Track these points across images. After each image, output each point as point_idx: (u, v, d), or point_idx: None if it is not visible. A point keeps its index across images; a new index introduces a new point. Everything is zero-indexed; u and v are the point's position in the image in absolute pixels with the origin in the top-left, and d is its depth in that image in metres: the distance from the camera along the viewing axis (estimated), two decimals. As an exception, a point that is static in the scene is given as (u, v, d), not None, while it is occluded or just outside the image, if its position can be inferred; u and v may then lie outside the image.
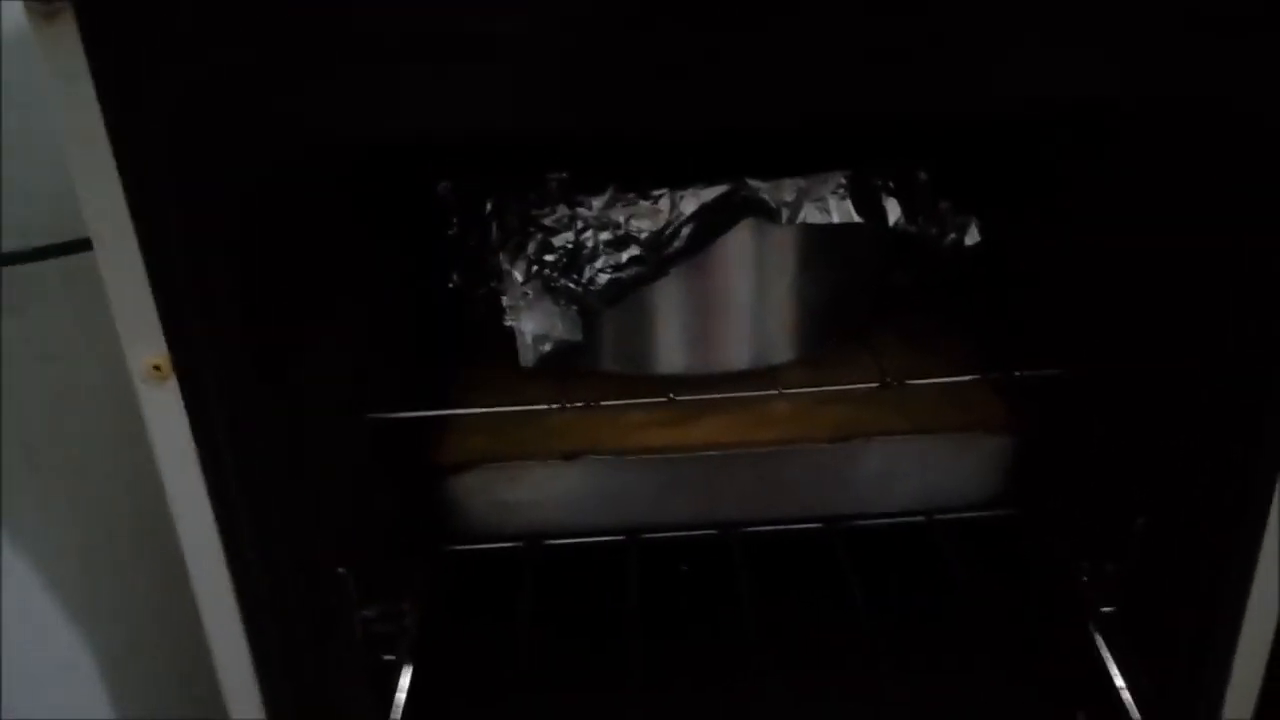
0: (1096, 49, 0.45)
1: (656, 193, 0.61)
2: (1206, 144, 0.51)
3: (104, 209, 0.43)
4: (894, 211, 0.64)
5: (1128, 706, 0.62)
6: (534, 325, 0.64)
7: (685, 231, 0.61)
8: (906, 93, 0.46)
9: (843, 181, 0.62)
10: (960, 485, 0.74)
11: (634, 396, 0.70)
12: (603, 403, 0.70)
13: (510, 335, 0.64)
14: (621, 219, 0.61)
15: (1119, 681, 0.63)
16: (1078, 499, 0.69)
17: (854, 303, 0.73)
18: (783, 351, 0.70)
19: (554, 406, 0.69)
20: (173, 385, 0.46)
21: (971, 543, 0.73)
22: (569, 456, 0.72)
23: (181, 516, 0.49)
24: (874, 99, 0.46)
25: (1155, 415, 0.59)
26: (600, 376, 0.70)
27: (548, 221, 0.62)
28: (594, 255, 0.62)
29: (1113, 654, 0.64)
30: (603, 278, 0.62)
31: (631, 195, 0.61)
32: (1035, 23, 0.44)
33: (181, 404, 0.46)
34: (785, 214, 0.61)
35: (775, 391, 0.71)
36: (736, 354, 0.69)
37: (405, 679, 0.66)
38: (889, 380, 0.69)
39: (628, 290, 0.62)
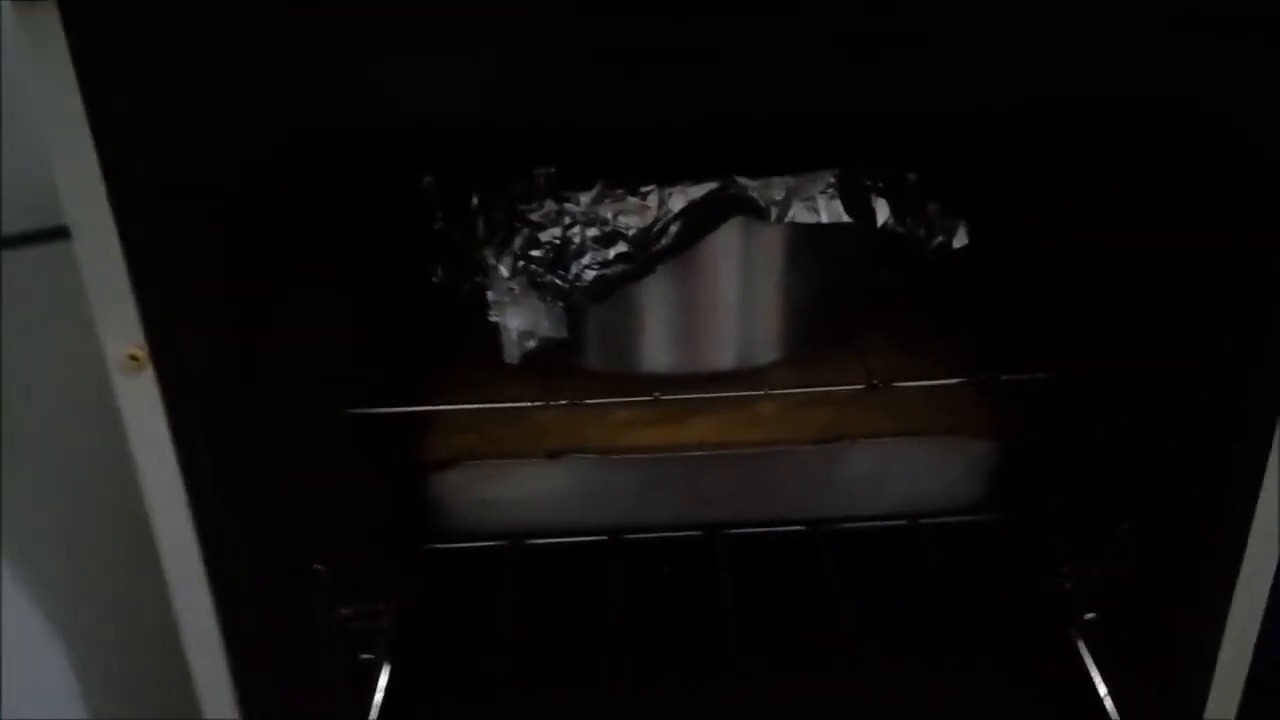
0: (1077, 49, 0.45)
1: (645, 189, 0.61)
2: (1198, 144, 0.51)
3: (83, 196, 0.43)
4: (883, 212, 0.64)
5: (1110, 713, 0.62)
6: (519, 321, 0.63)
7: (673, 229, 0.61)
8: (884, 90, 0.46)
9: (832, 181, 0.62)
10: (945, 488, 0.74)
11: (619, 395, 0.70)
12: (587, 401, 0.69)
13: (495, 331, 0.64)
14: (609, 215, 0.61)
15: (1101, 688, 0.63)
16: (1062, 504, 0.69)
17: (841, 303, 0.73)
18: (769, 351, 0.70)
19: (538, 404, 0.69)
20: (149, 375, 0.46)
21: (955, 547, 0.73)
22: (553, 455, 0.71)
23: (156, 509, 0.48)
24: (853, 96, 0.46)
25: (1140, 420, 0.60)
26: (585, 374, 0.70)
27: (534, 217, 0.61)
28: (581, 251, 0.61)
29: (1095, 660, 0.64)
30: (589, 274, 0.61)
31: (619, 191, 0.61)
32: (1013, 22, 0.44)
33: (158, 394, 0.46)
34: (774, 213, 0.61)
35: (761, 392, 0.71)
36: (723, 353, 0.69)
37: (383, 678, 0.66)
38: (875, 382, 0.69)
39: (614, 287, 0.62)
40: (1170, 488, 0.57)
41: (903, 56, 0.45)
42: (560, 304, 0.63)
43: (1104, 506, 0.63)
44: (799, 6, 0.43)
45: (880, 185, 0.64)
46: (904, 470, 0.74)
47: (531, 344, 0.64)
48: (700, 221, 0.61)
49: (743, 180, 0.61)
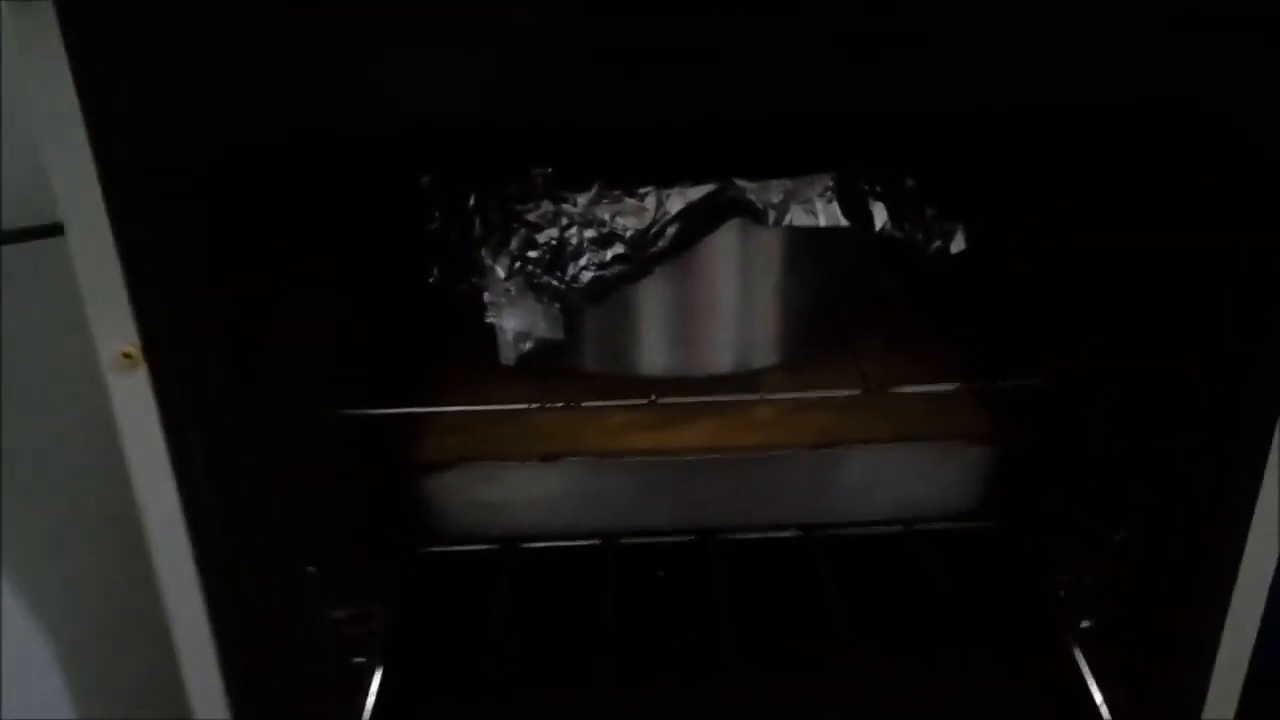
0: (1077, 49, 0.45)
1: (642, 191, 0.60)
2: (1198, 144, 0.51)
3: (77, 194, 0.43)
4: (880, 216, 0.64)
5: None
6: (515, 323, 0.63)
7: (671, 231, 0.60)
8: (884, 90, 0.46)
9: (830, 184, 0.62)
10: (941, 494, 0.74)
11: (616, 398, 0.69)
12: (583, 403, 0.69)
13: (491, 332, 0.63)
14: (606, 216, 0.61)
15: (1097, 695, 0.63)
16: (1058, 510, 0.69)
17: (838, 307, 0.72)
18: (766, 355, 0.70)
19: (533, 406, 0.68)
20: (142, 374, 0.45)
21: (951, 553, 0.73)
22: (548, 458, 0.71)
23: (148, 508, 0.48)
24: (853, 96, 0.46)
25: (1138, 425, 0.59)
26: (582, 377, 0.69)
27: (531, 217, 0.61)
28: (578, 253, 0.61)
29: (1090, 668, 0.64)
30: (586, 275, 0.61)
31: (617, 192, 0.61)
32: (1013, 21, 0.44)
33: (151, 393, 0.46)
34: (772, 215, 0.61)
35: (758, 396, 0.71)
36: (720, 357, 0.69)
37: (376, 682, 0.65)
38: (872, 387, 0.69)
39: (611, 289, 0.62)
40: (1167, 493, 0.57)
41: (902, 56, 0.44)
42: (557, 305, 0.62)
43: (1101, 512, 0.63)
44: (799, 6, 0.43)
45: (878, 189, 0.64)
46: (900, 475, 0.73)
47: (528, 345, 0.64)
48: (698, 223, 0.61)
49: (741, 182, 0.60)
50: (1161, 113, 0.52)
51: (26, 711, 0.66)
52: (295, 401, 0.58)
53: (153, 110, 0.42)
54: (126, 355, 0.45)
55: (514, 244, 0.62)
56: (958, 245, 0.67)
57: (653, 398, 0.69)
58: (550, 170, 0.61)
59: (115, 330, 0.44)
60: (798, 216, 0.61)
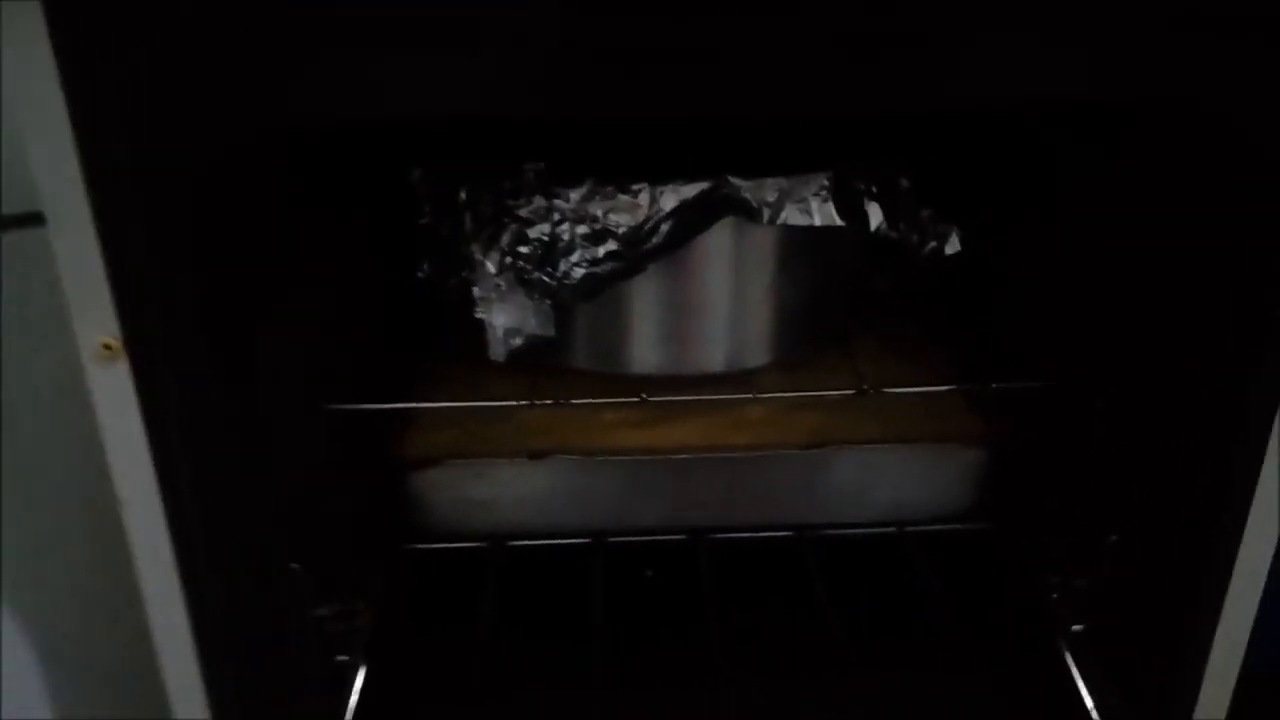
0: (1077, 49, 0.45)
1: (636, 187, 0.60)
2: (1198, 144, 0.51)
3: (59, 182, 0.42)
4: (876, 216, 0.63)
5: (1096, 726, 0.62)
6: (505, 318, 0.62)
7: (664, 228, 0.60)
8: (884, 89, 0.46)
9: (825, 183, 0.61)
10: (934, 496, 0.74)
11: (606, 395, 0.69)
12: (573, 401, 0.68)
13: (481, 328, 0.63)
14: (599, 213, 0.60)
15: (1088, 700, 0.62)
16: (1050, 514, 0.69)
17: (832, 307, 0.72)
18: (759, 354, 0.69)
19: (523, 403, 0.68)
20: (123, 366, 0.44)
21: (943, 555, 0.73)
22: (536, 455, 0.71)
23: (128, 504, 0.47)
24: (852, 95, 0.46)
25: (1133, 428, 0.59)
26: (572, 374, 0.69)
27: (523, 212, 0.60)
28: (570, 249, 0.61)
29: (1082, 672, 0.64)
30: (578, 272, 0.61)
31: (610, 189, 0.60)
32: (1014, 21, 0.44)
33: (132, 386, 0.45)
34: (766, 214, 0.60)
35: (750, 395, 0.70)
36: (712, 355, 0.68)
37: (359, 681, 0.64)
38: (866, 387, 0.69)
39: (603, 286, 0.61)
40: (1161, 496, 0.56)
41: (902, 55, 0.44)
42: (548, 302, 0.62)
43: (1094, 516, 0.62)
44: (799, 6, 0.42)
45: (873, 189, 0.63)
46: (892, 477, 0.73)
47: (518, 342, 0.63)
48: (692, 221, 0.60)
49: (735, 180, 0.60)
50: (1161, 112, 0.52)
51: (5, 711, 0.65)
52: (281, 396, 0.58)
53: (141, 106, 0.42)
54: (107, 347, 0.44)
55: (505, 239, 0.61)
56: (952, 247, 0.67)
57: (644, 396, 0.68)
58: (543, 165, 0.61)
59: (95, 321, 0.44)
60: (792, 215, 0.61)
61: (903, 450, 0.72)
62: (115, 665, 0.70)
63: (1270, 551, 0.53)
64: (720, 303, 0.66)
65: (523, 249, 0.61)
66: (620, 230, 0.60)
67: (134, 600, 0.49)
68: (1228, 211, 0.50)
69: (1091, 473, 0.63)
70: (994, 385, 0.69)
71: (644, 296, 0.65)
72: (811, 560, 0.72)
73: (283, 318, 0.58)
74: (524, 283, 0.61)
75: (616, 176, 0.60)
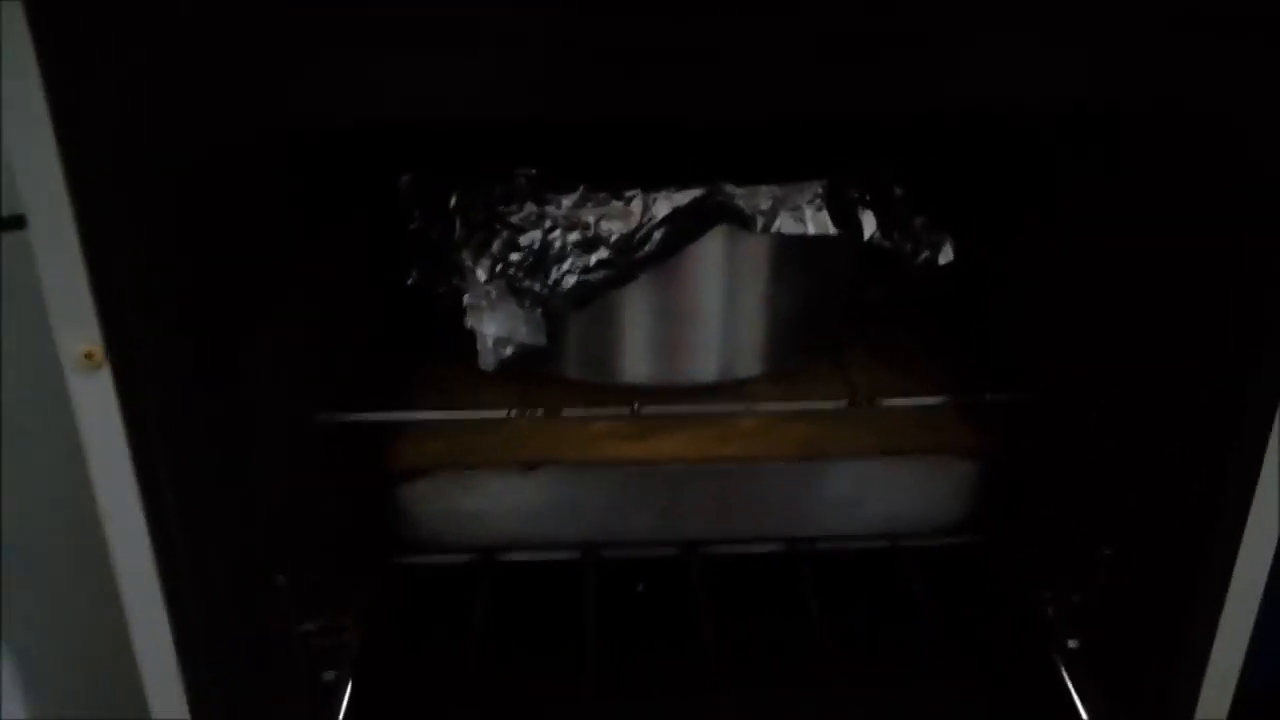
0: (1078, 50, 0.45)
1: (628, 194, 0.59)
2: (1197, 145, 0.51)
3: (40, 185, 0.41)
4: (869, 225, 0.63)
5: (1093, 741, 0.61)
6: (496, 327, 0.62)
7: (657, 235, 0.59)
8: (884, 91, 0.46)
9: (819, 191, 0.61)
10: (927, 509, 0.74)
11: (597, 406, 0.68)
12: (564, 411, 0.68)
13: (471, 337, 0.62)
14: (591, 219, 0.60)
15: (1084, 716, 0.62)
16: (1044, 528, 0.68)
17: (825, 317, 0.72)
18: (751, 365, 0.69)
19: (513, 413, 0.67)
20: (105, 374, 0.44)
21: (937, 568, 0.72)
22: (527, 466, 0.70)
23: (109, 515, 0.46)
24: (847, 94, 0.46)
25: (1128, 439, 0.59)
26: (563, 384, 0.68)
27: (514, 219, 0.60)
28: (561, 256, 0.60)
29: (1077, 687, 0.63)
30: (569, 280, 0.60)
31: (603, 195, 0.60)
32: (1015, 23, 0.44)
33: (114, 394, 0.44)
34: (760, 222, 0.60)
35: (742, 406, 0.70)
36: (704, 366, 0.68)
37: (346, 698, 0.63)
38: (860, 399, 0.68)
39: (595, 294, 0.61)
40: (1157, 509, 0.56)
41: (902, 56, 0.44)
42: (539, 310, 0.61)
43: (1089, 529, 0.62)
44: (799, 6, 0.42)
45: (867, 197, 0.63)
46: (885, 489, 0.73)
47: (508, 351, 0.62)
48: (685, 229, 0.60)
49: (729, 187, 0.60)
50: (1160, 114, 0.52)
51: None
52: (267, 405, 0.57)
53: (127, 107, 0.42)
54: (88, 355, 0.43)
55: (496, 246, 0.60)
56: (945, 256, 0.67)
57: (635, 406, 0.68)
58: (535, 171, 0.60)
59: (77, 328, 0.43)
60: (786, 224, 0.60)
61: (896, 462, 0.72)
62: (95, 680, 0.69)
63: (1269, 561, 0.52)
64: (713, 312, 0.66)
65: (514, 256, 0.60)
66: (612, 238, 0.60)
67: (115, 614, 0.48)
68: (1227, 212, 0.49)
69: (1086, 485, 0.63)
70: (988, 396, 0.69)
71: (636, 305, 0.64)
72: (804, 573, 0.72)
73: (270, 326, 0.57)
74: (515, 291, 0.61)
75: (609, 183, 0.60)
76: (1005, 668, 0.66)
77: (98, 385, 0.44)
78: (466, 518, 0.71)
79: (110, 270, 0.42)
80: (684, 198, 0.59)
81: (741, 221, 0.60)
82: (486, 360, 0.62)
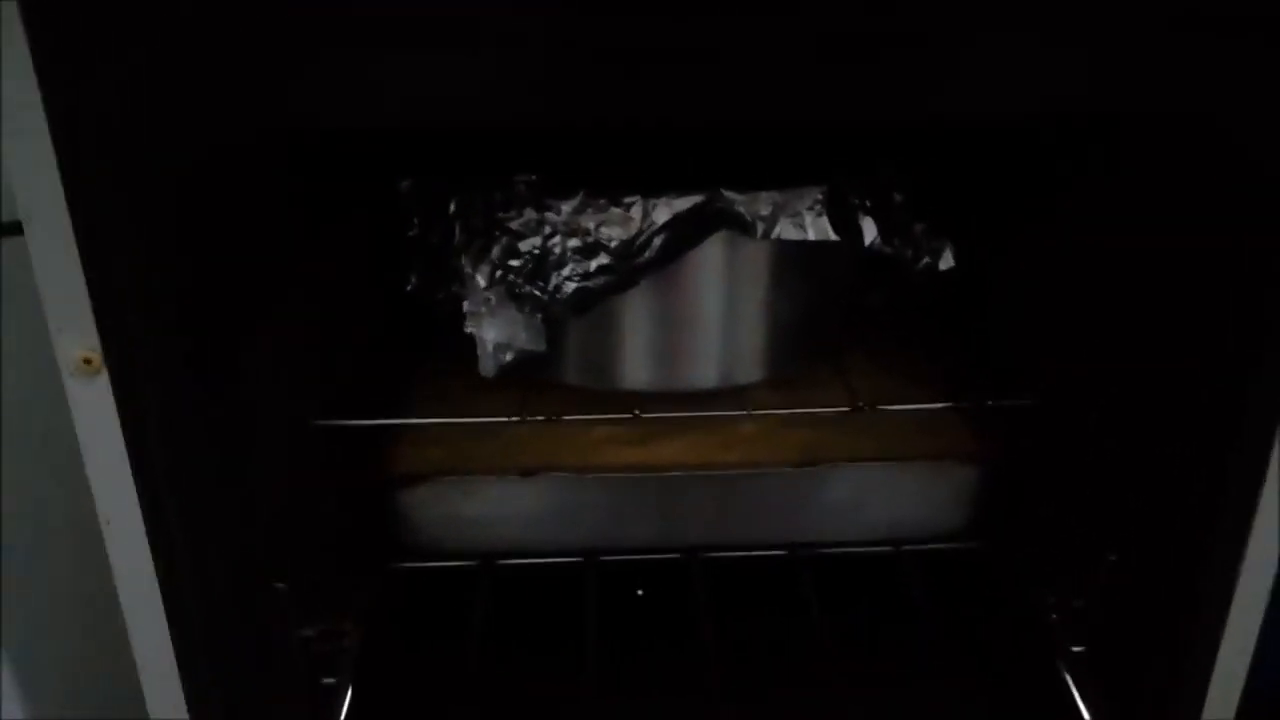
0: (1075, 49, 0.45)
1: (628, 200, 0.59)
2: (1198, 146, 0.51)
3: (38, 189, 0.41)
4: (870, 231, 0.63)
5: (1097, 747, 0.61)
6: (495, 333, 0.62)
7: (657, 241, 0.59)
8: (886, 95, 0.45)
9: (819, 197, 0.61)
10: (929, 514, 0.73)
11: (597, 412, 0.68)
12: (565, 417, 0.68)
13: (471, 342, 0.62)
14: (591, 225, 0.60)
15: (1087, 721, 0.62)
16: (1046, 532, 0.68)
17: (825, 323, 0.72)
18: (751, 371, 0.69)
19: (513, 419, 0.67)
20: (103, 380, 0.44)
21: (938, 574, 0.72)
22: (527, 472, 0.70)
23: (107, 521, 0.46)
24: (842, 98, 0.46)
25: (1130, 444, 0.59)
26: (563, 390, 0.68)
27: (514, 225, 0.60)
28: (561, 262, 0.60)
29: (1082, 693, 0.63)
30: (570, 286, 0.60)
31: (602, 201, 0.59)
32: (1018, 25, 0.44)
33: (112, 400, 0.44)
34: (760, 228, 0.60)
35: (743, 412, 0.69)
36: (705, 372, 0.67)
37: (346, 704, 0.63)
38: (859, 404, 0.68)
39: (595, 300, 0.60)
40: (1161, 513, 0.56)
41: (903, 57, 0.44)
42: (539, 316, 0.61)
43: (1091, 534, 0.62)
44: (799, 7, 0.42)
45: (867, 203, 0.63)
46: (886, 494, 0.72)
47: (508, 357, 0.62)
48: (685, 235, 0.60)
49: (729, 193, 0.59)
50: (1160, 115, 0.52)
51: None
52: (266, 411, 0.57)
53: (125, 110, 0.41)
54: (86, 360, 0.43)
55: (495, 252, 0.60)
56: (946, 263, 0.66)
57: (636, 412, 0.68)
58: (534, 177, 0.60)
59: (75, 333, 0.43)
60: (786, 230, 0.60)
61: (897, 468, 0.72)
62: (95, 685, 0.69)
63: (1274, 562, 0.52)
64: (713, 318, 0.66)
65: (514, 262, 0.60)
66: (612, 244, 0.60)
67: (115, 616, 0.48)
68: (1227, 213, 0.49)
69: (1087, 488, 0.63)
70: (989, 401, 0.69)
71: (636, 311, 0.64)
72: (806, 579, 0.71)
73: (270, 328, 0.57)
74: (514, 297, 0.61)
75: (609, 189, 0.60)
76: (1008, 672, 0.66)
77: (96, 390, 0.44)
78: (466, 523, 0.71)
79: (109, 271, 0.42)
80: (684, 204, 0.59)
81: (742, 227, 0.60)
82: (486, 366, 0.62)
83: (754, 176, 0.60)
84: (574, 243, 0.60)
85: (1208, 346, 0.51)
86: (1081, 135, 0.61)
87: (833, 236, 0.61)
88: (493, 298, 0.61)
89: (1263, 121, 0.46)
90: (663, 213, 0.59)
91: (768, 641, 0.69)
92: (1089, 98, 0.47)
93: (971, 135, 0.65)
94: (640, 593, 0.73)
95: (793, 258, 0.64)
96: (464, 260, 0.61)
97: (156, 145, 0.43)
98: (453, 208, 0.62)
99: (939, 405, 0.70)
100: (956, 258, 0.66)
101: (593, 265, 0.60)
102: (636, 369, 0.67)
